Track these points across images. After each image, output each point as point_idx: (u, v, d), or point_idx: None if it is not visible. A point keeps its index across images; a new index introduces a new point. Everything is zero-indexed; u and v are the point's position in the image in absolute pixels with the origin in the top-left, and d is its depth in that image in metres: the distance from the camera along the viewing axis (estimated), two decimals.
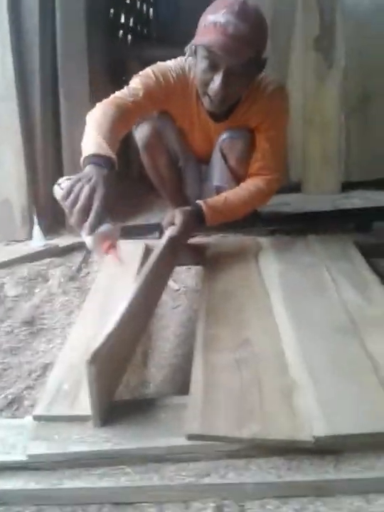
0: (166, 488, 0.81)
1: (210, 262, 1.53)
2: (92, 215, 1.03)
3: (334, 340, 1.06)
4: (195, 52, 1.41)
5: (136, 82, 1.47)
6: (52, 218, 2.07)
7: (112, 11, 2.99)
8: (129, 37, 3.38)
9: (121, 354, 1.00)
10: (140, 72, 1.50)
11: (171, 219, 1.45)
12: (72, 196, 1.05)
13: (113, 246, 1.05)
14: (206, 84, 1.40)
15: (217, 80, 1.35)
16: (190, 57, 1.46)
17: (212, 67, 1.35)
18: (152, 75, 1.47)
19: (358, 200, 2.36)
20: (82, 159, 1.19)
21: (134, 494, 0.81)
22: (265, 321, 1.15)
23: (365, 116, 2.50)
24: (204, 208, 1.49)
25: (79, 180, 1.08)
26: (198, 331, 1.13)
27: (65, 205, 1.05)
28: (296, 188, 2.52)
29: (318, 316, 1.16)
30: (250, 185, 1.59)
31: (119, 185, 1.27)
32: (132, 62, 2.64)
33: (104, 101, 1.41)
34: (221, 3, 1.32)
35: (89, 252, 1.80)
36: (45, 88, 1.98)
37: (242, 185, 1.60)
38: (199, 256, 1.63)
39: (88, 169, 1.13)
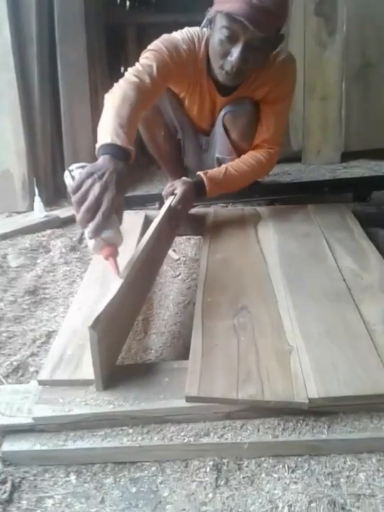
0: (166, 448, 0.85)
1: (209, 231, 1.54)
2: (97, 218, 0.96)
3: (330, 306, 1.08)
4: (210, 23, 1.37)
5: (148, 58, 1.39)
6: (53, 190, 2.08)
7: None
8: (127, 3, 3.29)
9: (123, 321, 1.02)
10: (150, 47, 1.44)
11: (172, 189, 1.45)
12: (81, 191, 0.98)
13: (112, 254, 0.99)
14: (223, 56, 1.36)
15: (235, 52, 1.32)
16: (206, 28, 1.41)
17: (231, 38, 1.31)
18: (164, 50, 1.41)
19: (358, 169, 2.36)
20: (97, 146, 1.12)
21: (136, 453, 0.85)
22: (263, 289, 1.17)
23: (365, 85, 2.47)
24: (205, 179, 1.49)
25: (91, 174, 1.00)
26: (197, 298, 1.15)
27: (73, 200, 0.99)
28: (296, 157, 2.52)
29: (315, 283, 1.18)
30: (251, 157, 1.58)
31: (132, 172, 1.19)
32: (130, 28, 2.59)
33: (123, 81, 1.33)
34: None
35: None
36: (43, 56, 1.96)
37: (243, 157, 1.60)
38: (199, 226, 1.64)
39: (102, 161, 1.05)
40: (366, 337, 0.98)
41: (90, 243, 0.99)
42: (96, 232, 0.96)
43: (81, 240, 1.70)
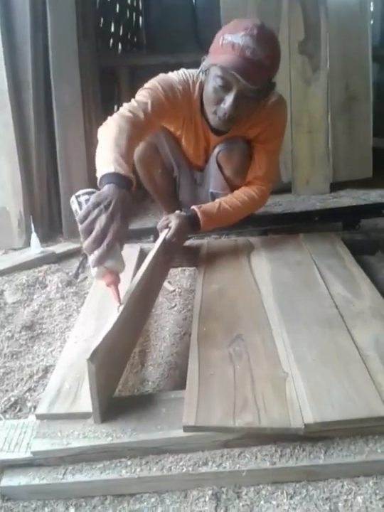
0: (165, 478, 0.85)
1: (204, 262, 1.57)
2: (101, 248, 1.01)
3: (323, 332, 1.11)
4: (205, 70, 1.43)
5: (144, 96, 1.45)
6: (49, 226, 2.12)
7: (102, 19, 3.04)
8: (119, 45, 3.43)
9: (120, 353, 1.04)
10: (146, 85, 1.49)
11: (166, 223, 1.48)
12: (87, 221, 1.03)
13: (114, 282, 1.03)
14: (216, 102, 1.42)
15: (228, 100, 1.38)
16: (201, 74, 1.48)
17: (225, 87, 1.37)
18: (160, 89, 1.46)
19: (346, 199, 2.42)
20: (100, 175, 1.17)
21: (135, 485, 0.85)
22: (257, 317, 1.20)
23: (350, 117, 2.56)
24: (199, 213, 1.53)
25: (98, 204, 1.05)
26: (193, 328, 1.17)
27: (80, 228, 1.03)
28: (286, 189, 2.58)
29: (308, 311, 1.21)
30: (244, 193, 1.63)
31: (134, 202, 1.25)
32: (122, 70, 2.70)
33: (118, 115, 1.38)
34: (240, 24, 1.33)
35: (86, 258, 1.84)
36: (39, 98, 2.03)
37: (236, 193, 1.64)
38: (193, 258, 1.67)
39: (107, 190, 1.09)
40: (359, 362, 0.99)
41: (93, 271, 1.03)
42: (99, 262, 1.01)
43: (77, 274, 1.73)
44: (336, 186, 2.58)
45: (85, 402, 0.94)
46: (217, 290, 1.36)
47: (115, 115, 1.39)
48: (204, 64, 1.43)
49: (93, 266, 1.02)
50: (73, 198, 1.11)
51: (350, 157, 2.59)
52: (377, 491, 0.82)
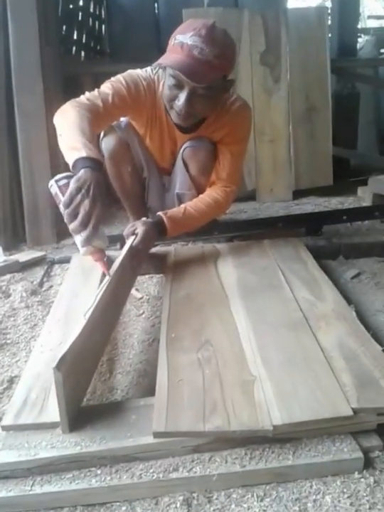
0: (136, 486, 0.84)
1: (171, 269, 1.58)
2: (88, 230, 1.13)
3: (289, 335, 1.13)
4: (164, 67, 1.45)
5: (107, 87, 1.50)
6: (12, 234, 2.07)
7: (64, 27, 3.02)
8: (82, 53, 3.41)
9: (87, 361, 1.03)
10: (111, 78, 1.53)
11: (132, 229, 1.48)
12: (72, 207, 1.14)
13: (101, 258, 1.18)
14: (172, 99, 1.45)
15: (182, 97, 1.41)
16: (160, 70, 1.52)
17: (178, 85, 1.41)
18: (123, 82, 1.51)
19: (308, 206, 2.48)
20: (72, 160, 1.22)
21: (105, 494, 0.85)
22: (224, 321, 1.21)
23: (310, 127, 2.64)
24: (165, 219, 1.53)
25: (80, 189, 1.14)
26: (161, 334, 1.17)
27: (66, 213, 1.14)
28: (251, 196, 2.62)
29: (274, 314, 1.23)
30: (209, 197, 1.64)
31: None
32: (86, 78, 2.68)
33: (76, 102, 1.41)
34: (191, 24, 1.37)
35: (50, 266, 1.81)
36: (0, 107, 1.99)
37: (201, 197, 1.65)
38: (160, 265, 1.67)
39: (84, 174, 1.17)
40: (324, 363, 1.02)
41: (82, 250, 1.17)
42: (87, 242, 1.15)
43: (42, 283, 1.70)
44: (298, 194, 2.65)
45: (53, 412, 0.92)
46: (185, 296, 1.36)
47: (73, 101, 1.42)
48: (155, 63, 1.45)
49: (82, 246, 1.16)
50: (52, 182, 1.22)
51: (311, 165, 2.67)
52: (345, 490, 0.84)
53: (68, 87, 2.52)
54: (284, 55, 2.54)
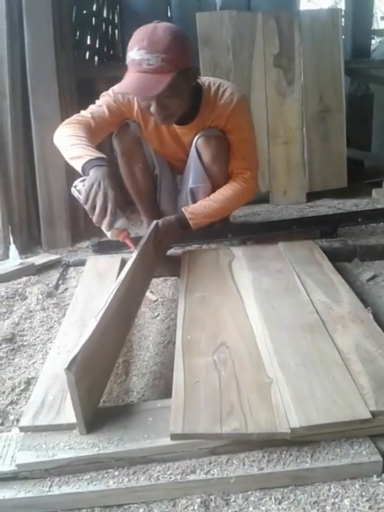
0: (153, 488, 0.84)
1: (186, 272, 1.57)
2: (108, 215, 1.31)
3: (305, 337, 1.12)
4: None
5: (100, 101, 1.63)
6: (28, 237, 2.09)
7: (78, 32, 3.05)
8: (96, 57, 3.44)
9: (101, 362, 1.03)
10: (107, 91, 1.64)
11: (155, 224, 1.57)
12: (90, 201, 1.32)
13: (127, 236, 1.37)
14: (148, 109, 1.50)
15: (152, 107, 1.47)
16: None
17: (144, 98, 1.47)
18: (111, 93, 1.62)
19: (322, 208, 2.47)
20: (80, 168, 1.40)
21: (122, 496, 0.85)
22: (240, 324, 1.21)
23: (324, 129, 2.63)
24: (186, 213, 1.61)
25: (92, 185, 1.33)
26: (177, 337, 1.17)
27: (86, 208, 1.33)
28: (264, 199, 2.62)
29: (289, 317, 1.22)
30: (228, 187, 1.69)
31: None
32: (100, 82, 2.70)
33: (67, 122, 1.56)
34: (135, 38, 1.40)
35: (66, 269, 1.83)
36: (16, 108, 2.02)
37: (220, 189, 1.69)
38: (175, 267, 1.68)
39: (93, 173, 1.35)
40: (341, 365, 1.01)
41: (108, 234, 1.35)
42: (110, 226, 1.32)
43: (57, 286, 1.71)
44: (312, 196, 2.64)
45: (70, 413, 0.92)
46: (200, 299, 1.36)
47: (64, 121, 1.58)
48: (115, 91, 1.57)
49: (107, 230, 1.33)
50: (73, 189, 1.41)
51: (325, 167, 2.65)
52: (364, 493, 0.83)
53: (82, 92, 2.54)
54: (298, 57, 2.53)
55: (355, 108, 3.01)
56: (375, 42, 4.05)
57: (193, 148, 1.72)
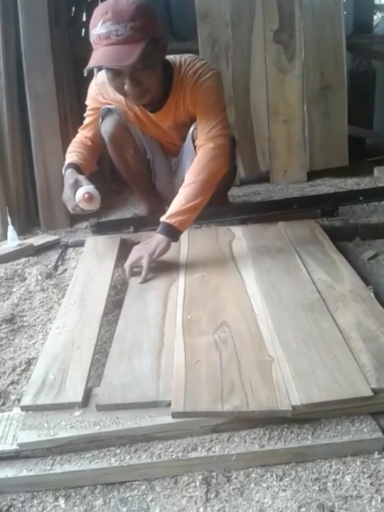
0: (155, 465, 0.85)
1: (186, 251, 1.56)
2: (70, 196, 1.51)
3: (306, 316, 1.12)
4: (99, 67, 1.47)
5: (87, 107, 1.73)
6: (26, 218, 2.08)
7: (73, 9, 2.97)
8: None
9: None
10: (89, 91, 1.70)
11: (136, 267, 1.42)
12: (63, 196, 1.54)
13: (89, 196, 1.46)
14: (120, 88, 1.44)
15: (126, 84, 1.40)
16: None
17: (117, 74, 1.39)
18: (94, 93, 1.68)
19: (323, 187, 2.45)
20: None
21: (124, 473, 0.85)
22: (241, 303, 1.20)
23: (325, 106, 2.58)
24: (167, 220, 1.43)
25: (63, 184, 1.56)
26: (177, 316, 1.17)
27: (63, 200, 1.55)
28: (265, 178, 2.59)
29: (290, 296, 1.22)
30: (198, 165, 1.49)
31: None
32: None
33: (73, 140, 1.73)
34: (97, 13, 1.33)
35: (65, 250, 1.81)
36: (11, 89, 1.98)
37: (192, 170, 1.50)
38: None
39: (67, 173, 1.57)
40: (342, 344, 1.01)
41: (77, 209, 1.52)
42: (74, 207, 1.51)
43: (56, 266, 1.70)
44: (312, 175, 2.60)
45: (71, 392, 0.93)
46: (200, 278, 1.35)
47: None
48: (87, 68, 1.43)
49: (77, 199, 1.48)
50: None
51: (326, 146, 2.61)
52: (365, 470, 0.83)
53: (78, 70, 2.50)
54: (298, 33, 2.47)
55: (357, 85, 2.94)
56: (377, 17, 3.96)
57: (189, 138, 1.67)
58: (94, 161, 1.75)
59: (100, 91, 1.65)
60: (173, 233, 1.44)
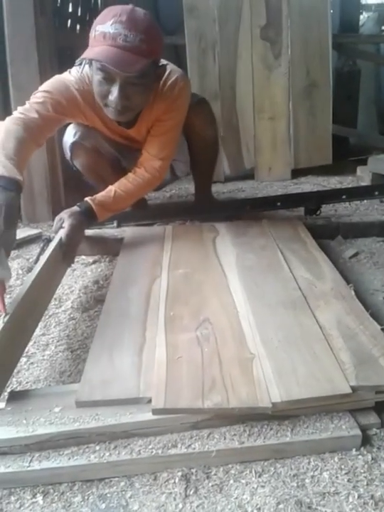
0: (134, 462, 0.84)
1: (169, 248, 1.56)
2: None
3: (287, 314, 1.13)
4: (91, 63, 1.37)
5: (38, 98, 1.44)
6: None
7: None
8: (78, 26, 3.33)
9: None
10: (41, 88, 1.47)
11: (60, 224, 1.43)
12: None
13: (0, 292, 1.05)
14: (104, 96, 1.37)
15: (114, 91, 1.33)
16: (87, 67, 1.41)
17: (108, 79, 1.33)
18: (55, 90, 1.45)
19: (307, 185, 2.47)
20: None
21: (103, 470, 0.84)
22: (223, 300, 1.20)
23: (311, 104, 2.60)
24: (93, 205, 1.47)
25: None
26: (159, 312, 1.17)
27: None
28: (249, 175, 2.60)
29: (272, 293, 1.22)
30: (138, 176, 1.57)
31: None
32: (81, 51, 2.60)
33: (8, 118, 1.38)
34: (109, 12, 1.29)
35: (47, 243, 1.79)
36: None
37: (130, 176, 1.57)
38: (101, 246, 1.69)
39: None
40: (323, 341, 1.02)
41: None
42: None
43: (37, 260, 1.67)
44: (297, 173, 2.62)
45: None
46: (183, 275, 1.35)
47: (6, 118, 1.37)
48: (82, 59, 1.38)
49: None
50: None
51: (310, 144, 2.63)
52: (343, 466, 0.84)
53: (63, 61, 2.47)
54: (285, 30, 2.48)
55: (342, 84, 2.97)
56: (363, 17, 3.99)
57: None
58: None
59: (68, 87, 1.48)
60: (91, 217, 1.48)
